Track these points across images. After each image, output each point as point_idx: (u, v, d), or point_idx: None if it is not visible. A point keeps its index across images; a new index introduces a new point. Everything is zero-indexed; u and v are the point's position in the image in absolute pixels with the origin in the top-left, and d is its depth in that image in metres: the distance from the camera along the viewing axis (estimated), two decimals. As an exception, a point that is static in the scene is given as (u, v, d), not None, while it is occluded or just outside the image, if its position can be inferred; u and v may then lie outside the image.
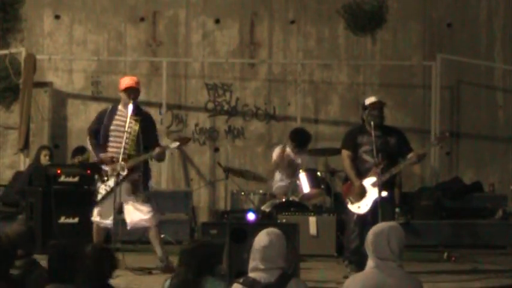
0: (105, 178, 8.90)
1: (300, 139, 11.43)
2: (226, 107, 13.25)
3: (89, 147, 9.52)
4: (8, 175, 12.53)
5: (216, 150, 13.20)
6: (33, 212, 10.38)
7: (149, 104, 12.43)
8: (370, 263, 5.03)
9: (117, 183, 8.78)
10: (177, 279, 5.44)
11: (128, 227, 9.13)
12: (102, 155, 8.97)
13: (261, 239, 5.24)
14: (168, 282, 5.49)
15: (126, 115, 8.93)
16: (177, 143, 9.03)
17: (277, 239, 5.24)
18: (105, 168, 8.93)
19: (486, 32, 13.53)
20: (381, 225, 5.15)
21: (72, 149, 12.21)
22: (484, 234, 11.64)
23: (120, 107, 9.09)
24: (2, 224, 10.63)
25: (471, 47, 13.46)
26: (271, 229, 5.34)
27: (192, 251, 5.49)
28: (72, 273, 4.79)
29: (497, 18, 13.54)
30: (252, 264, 5.22)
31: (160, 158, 9.13)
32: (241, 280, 5.22)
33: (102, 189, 8.95)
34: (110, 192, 8.89)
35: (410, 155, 9.14)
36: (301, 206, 10.81)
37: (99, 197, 8.98)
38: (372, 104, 9.14)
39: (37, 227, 9.90)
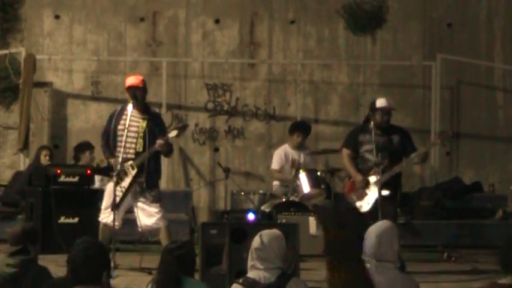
0: (119, 180, 8.87)
1: (302, 126, 11.60)
2: (226, 107, 13.25)
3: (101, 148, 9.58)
4: (8, 175, 12.52)
5: (216, 150, 13.19)
6: (33, 212, 10.39)
7: (149, 104, 12.41)
8: (366, 263, 4.99)
9: (130, 185, 8.85)
10: (158, 280, 5.45)
11: (140, 229, 9.17)
12: (111, 161, 9.01)
13: (254, 241, 5.27)
14: (150, 286, 5.51)
15: (130, 114, 8.98)
16: (176, 131, 9.04)
17: (270, 241, 5.23)
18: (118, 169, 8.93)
19: (486, 32, 13.52)
20: (380, 226, 5.09)
21: (71, 149, 12.22)
22: (484, 234, 11.64)
23: (127, 106, 9.14)
24: (2, 224, 10.65)
25: (471, 47, 13.45)
26: (267, 231, 5.34)
27: (173, 251, 5.49)
28: (97, 275, 4.78)
29: (497, 18, 13.54)
30: (250, 263, 5.23)
31: (165, 150, 9.14)
32: (240, 280, 5.22)
33: (118, 191, 8.94)
34: (126, 193, 8.93)
35: (413, 154, 9.14)
36: (301, 206, 10.81)
37: (117, 199, 8.95)
38: (382, 109, 9.15)
39: (37, 227, 9.89)
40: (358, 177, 9.12)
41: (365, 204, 9.10)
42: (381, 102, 9.23)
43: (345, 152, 9.37)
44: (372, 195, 9.05)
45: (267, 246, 5.20)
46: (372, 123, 9.04)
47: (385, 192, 8.91)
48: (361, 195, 9.12)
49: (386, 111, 9.18)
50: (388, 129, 9.18)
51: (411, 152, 9.19)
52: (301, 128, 11.54)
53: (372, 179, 9.05)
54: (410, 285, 5.05)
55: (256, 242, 5.24)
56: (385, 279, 4.92)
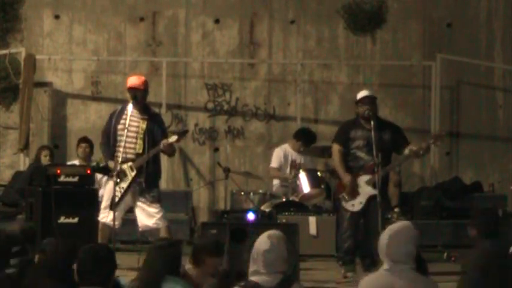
0: (118, 180, 8.87)
1: (308, 138, 11.60)
2: (226, 107, 13.24)
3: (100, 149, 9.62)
4: (8, 175, 12.53)
5: (216, 150, 13.19)
6: (33, 212, 10.37)
7: (149, 104, 12.41)
8: (383, 264, 4.97)
9: (129, 186, 8.88)
10: (140, 276, 5.47)
11: (140, 229, 9.18)
12: (111, 163, 9.04)
13: (262, 242, 5.14)
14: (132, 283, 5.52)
15: (130, 114, 8.99)
16: (176, 137, 9.06)
17: (278, 242, 5.13)
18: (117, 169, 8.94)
19: (486, 32, 13.51)
20: (396, 226, 5.06)
21: (71, 149, 12.22)
22: (484, 234, 11.61)
23: (127, 106, 9.15)
24: (2, 224, 10.64)
25: (471, 47, 13.44)
26: (272, 232, 5.26)
27: (159, 249, 5.50)
28: (103, 277, 4.78)
29: (497, 18, 13.53)
30: (252, 267, 5.13)
31: (169, 151, 9.17)
32: (242, 283, 5.16)
33: (117, 191, 8.94)
34: (125, 194, 8.94)
35: (406, 151, 9.04)
36: (301, 206, 10.82)
37: (116, 199, 8.95)
38: (362, 100, 9.10)
39: (37, 227, 9.89)
40: (346, 179, 9.03)
41: (357, 204, 9.03)
42: (360, 94, 9.18)
43: (336, 147, 9.21)
44: (363, 195, 8.98)
45: (278, 248, 5.11)
46: (361, 120, 9.00)
47: (375, 191, 8.76)
48: (353, 195, 9.03)
49: (366, 101, 9.05)
50: (379, 125, 9.00)
51: (404, 145, 9.07)
52: (306, 140, 11.53)
53: (365, 177, 8.97)
54: (429, 286, 4.99)
55: (264, 244, 5.11)
56: (401, 280, 4.87)
